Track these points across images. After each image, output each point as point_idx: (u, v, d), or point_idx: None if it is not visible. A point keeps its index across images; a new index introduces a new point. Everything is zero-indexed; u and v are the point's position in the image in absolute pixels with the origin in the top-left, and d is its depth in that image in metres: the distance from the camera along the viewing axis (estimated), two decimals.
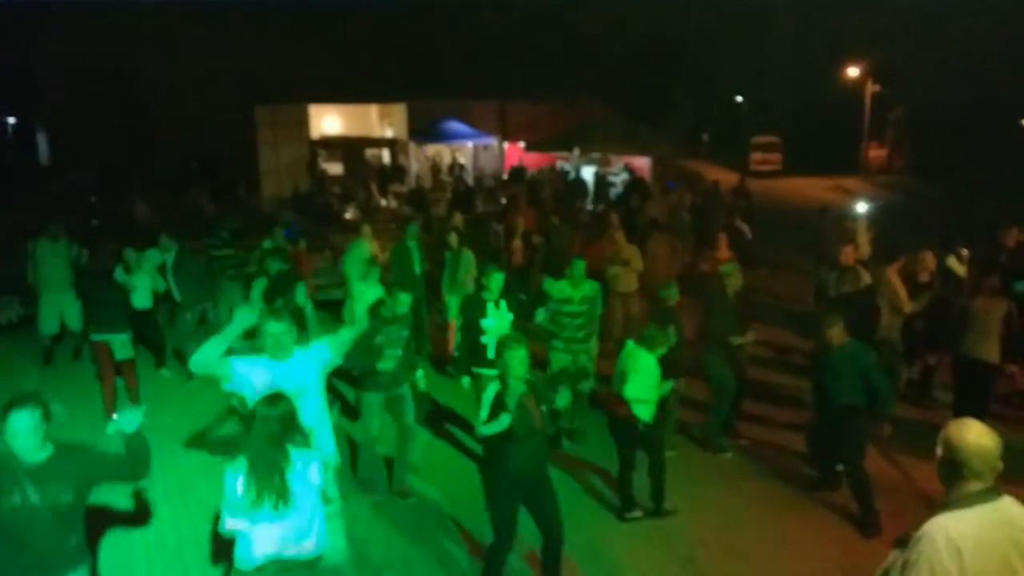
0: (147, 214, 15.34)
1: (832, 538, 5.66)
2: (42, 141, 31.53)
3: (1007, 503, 2.76)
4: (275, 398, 3.77)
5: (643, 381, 5.84)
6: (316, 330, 7.37)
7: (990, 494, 2.73)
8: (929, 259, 7.91)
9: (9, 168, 30.02)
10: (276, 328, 4.41)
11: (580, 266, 7.21)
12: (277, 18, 23.99)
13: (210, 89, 22.71)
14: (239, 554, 3.69)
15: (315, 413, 4.53)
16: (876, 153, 34.37)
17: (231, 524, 3.60)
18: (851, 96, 32.99)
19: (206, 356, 4.22)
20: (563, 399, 4.92)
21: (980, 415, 6.91)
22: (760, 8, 31.94)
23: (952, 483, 2.77)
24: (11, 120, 32.21)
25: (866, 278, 7.82)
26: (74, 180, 22.98)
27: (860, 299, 7.52)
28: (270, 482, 3.61)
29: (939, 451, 2.81)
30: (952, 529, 2.68)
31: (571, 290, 7.15)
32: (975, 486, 2.73)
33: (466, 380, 6.54)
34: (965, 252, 8.91)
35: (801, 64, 32.87)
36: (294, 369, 4.43)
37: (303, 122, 24.41)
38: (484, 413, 4.66)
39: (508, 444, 4.64)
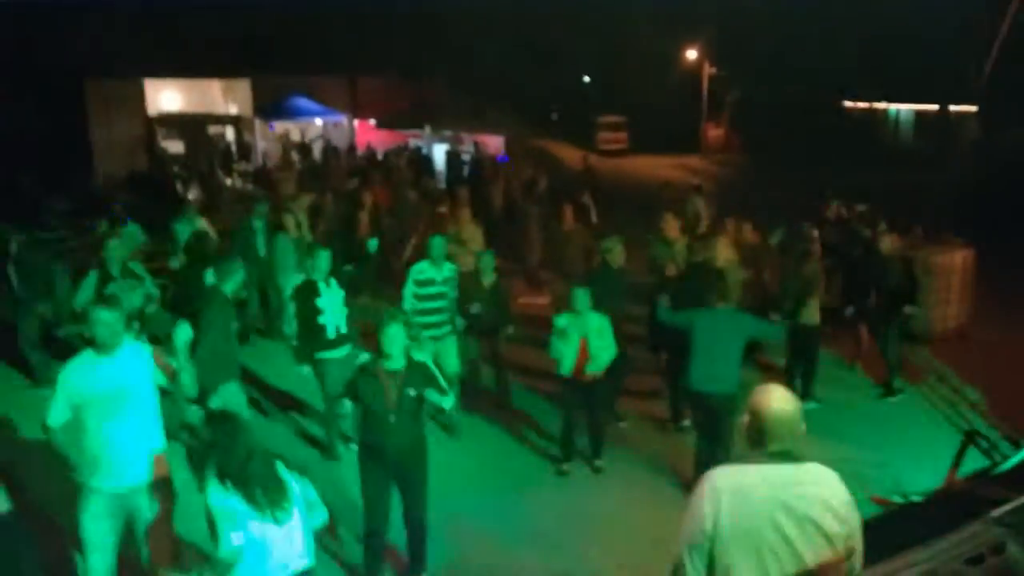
0: None
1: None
2: None
3: (800, 468, 2.76)
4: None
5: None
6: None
7: (782, 456, 2.77)
8: (747, 230, 8.53)
9: None
10: (108, 317, 4.14)
11: (439, 244, 7.15)
12: None
13: (35, 61, 20.83)
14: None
15: (148, 412, 4.34)
16: (715, 133, 36.32)
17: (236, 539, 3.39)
18: (692, 78, 34.67)
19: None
20: (447, 400, 4.90)
21: (810, 375, 7.68)
22: None
23: (756, 447, 2.82)
24: None
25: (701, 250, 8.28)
26: None
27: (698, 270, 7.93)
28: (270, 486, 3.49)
29: (745, 417, 2.88)
30: (721, 478, 2.77)
31: (433, 271, 7.10)
32: (771, 448, 2.78)
33: (305, 369, 6.42)
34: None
35: (645, 45, 34.07)
36: (123, 366, 4.19)
37: (139, 98, 22.88)
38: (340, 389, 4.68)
39: (363, 419, 4.68)
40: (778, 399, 2.83)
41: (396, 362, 4.73)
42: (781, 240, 9.14)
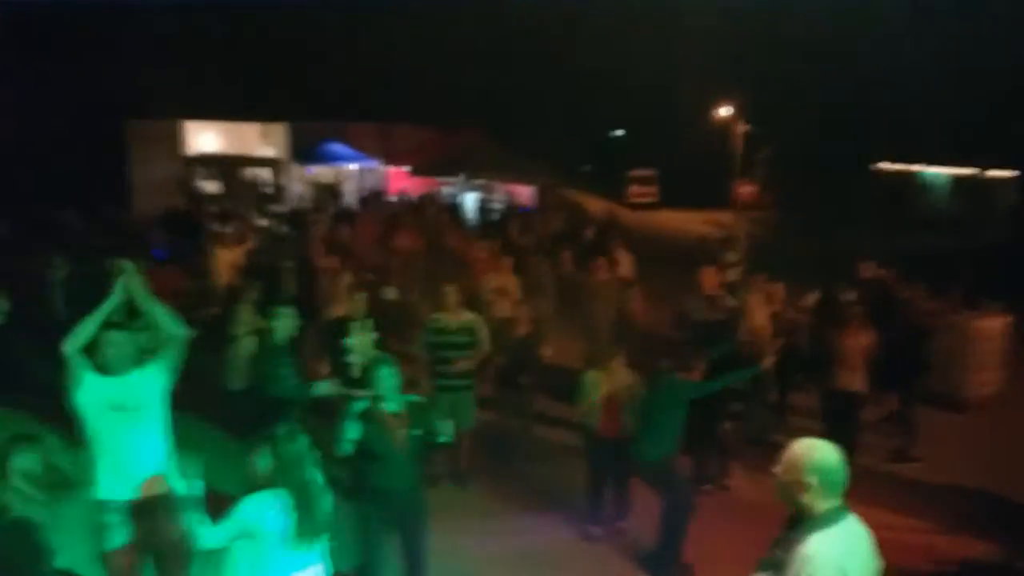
0: (8, 232, 14.39)
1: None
2: None
3: (855, 520, 2.86)
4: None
5: None
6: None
7: (844, 511, 2.82)
8: (778, 291, 8.34)
9: None
10: (118, 338, 4.26)
11: (451, 293, 7.03)
12: (150, 30, 22.97)
13: (77, 101, 21.47)
14: None
15: (157, 435, 4.38)
16: (746, 190, 36.29)
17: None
18: (724, 134, 34.81)
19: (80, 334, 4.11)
20: (444, 432, 4.85)
21: (850, 444, 7.44)
22: (642, 44, 33.28)
23: (809, 502, 2.81)
24: None
25: (731, 303, 8.15)
26: None
27: (724, 325, 7.78)
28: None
29: (789, 472, 2.84)
30: (830, 549, 2.75)
31: (448, 320, 7.00)
32: (831, 503, 2.79)
33: None
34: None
35: (677, 101, 34.37)
36: (133, 386, 4.27)
37: (177, 138, 23.41)
38: (348, 432, 4.57)
39: (366, 463, 4.61)
40: (827, 452, 2.87)
41: (393, 404, 4.71)
42: (814, 302, 8.98)
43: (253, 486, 3.61)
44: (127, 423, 4.23)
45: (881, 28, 29.00)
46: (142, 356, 4.42)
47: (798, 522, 2.86)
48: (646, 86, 34.55)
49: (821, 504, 2.81)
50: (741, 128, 34.44)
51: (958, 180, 33.02)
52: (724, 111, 34.98)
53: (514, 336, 7.35)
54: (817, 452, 2.86)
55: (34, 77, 20.93)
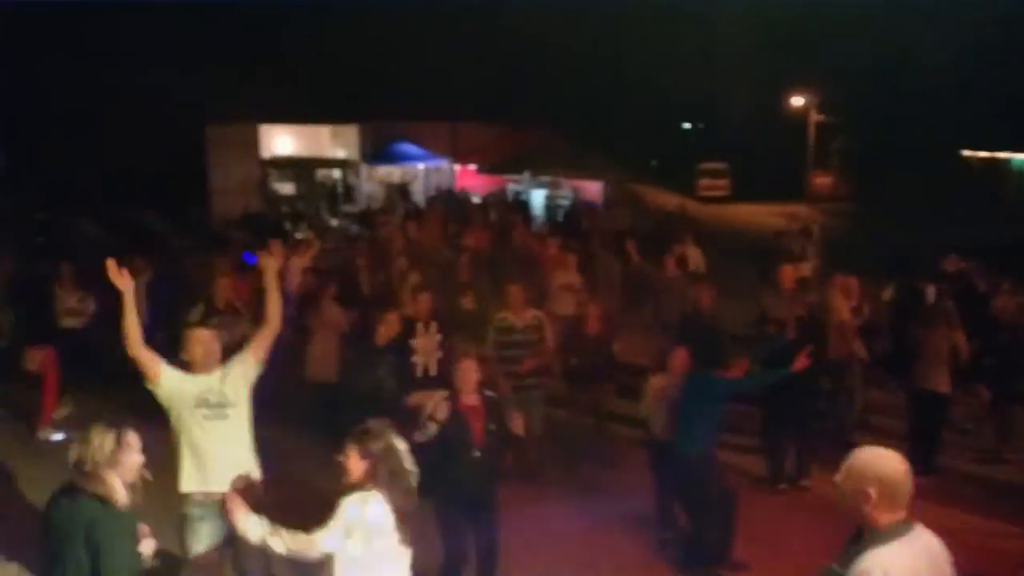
0: (95, 233, 15.07)
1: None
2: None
3: (922, 530, 2.72)
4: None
5: None
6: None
7: (910, 523, 2.69)
8: (853, 284, 8.08)
9: None
10: (204, 335, 4.40)
11: (515, 292, 7.07)
12: (228, 37, 23.76)
13: (161, 107, 22.37)
14: None
15: (242, 431, 4.48)
16: (821, 181, 35.28)
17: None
18: (797, 124, 33.91)
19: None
20: (516, 427, 4.95)
21: (934, 445, 7.13)
22: (709, 36, 32.73)
23: (870, 514, 2.69)
24: None
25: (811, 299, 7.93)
26: (23, 196, 22.29)
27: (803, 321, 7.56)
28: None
29: (849, 481, 2.73)
30: (893, 564, 2.62)
31: (513, 318, 7.02)
32: (897, 515, 2.67)
33: None
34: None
35: (749, 92, 33.67)
36: (219, 384, 4.38)
37: (254, 141, 24.15)
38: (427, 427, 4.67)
39: (443, 457, 4.67)
40: (895, 461, 2.72)
41: (471, 397, 4.85)
42: (893, 297, 8.68)
43: (347, 484, 3.63)
44: (213, 419, 4.34)
45: (965, 9, 27.82)
46: (227, 353, 4.52)
47: (859, 535, 2.77)
48: (716, 77, 33.98)
49: (882, 517, 2.68)
50: (815, 118, 33.49)
51: None
52: (797, 101, 34.08)
53: (584, 334, 7.30)
54: (880, 461, 2.72)
55: (116, 82, 21.82)
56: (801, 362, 5.72)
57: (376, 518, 3.49)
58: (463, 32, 26.66)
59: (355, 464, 3.59)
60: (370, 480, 3.53)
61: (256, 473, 4.50)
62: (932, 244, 12.26)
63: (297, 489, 5.71)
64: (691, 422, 5.61)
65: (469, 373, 4.88)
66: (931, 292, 7.91)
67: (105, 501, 3.22)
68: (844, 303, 7.80)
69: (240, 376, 4.44)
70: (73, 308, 8.18)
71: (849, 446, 2.89)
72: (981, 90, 27.59)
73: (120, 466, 3.29)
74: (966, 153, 33.18)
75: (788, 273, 8.00)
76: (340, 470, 3.64)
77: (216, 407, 4.34)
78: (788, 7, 30.58)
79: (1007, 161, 32.95)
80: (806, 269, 10.97)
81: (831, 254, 13.31)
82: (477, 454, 4.77)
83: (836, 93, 31.99)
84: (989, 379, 7.71)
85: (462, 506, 4.81)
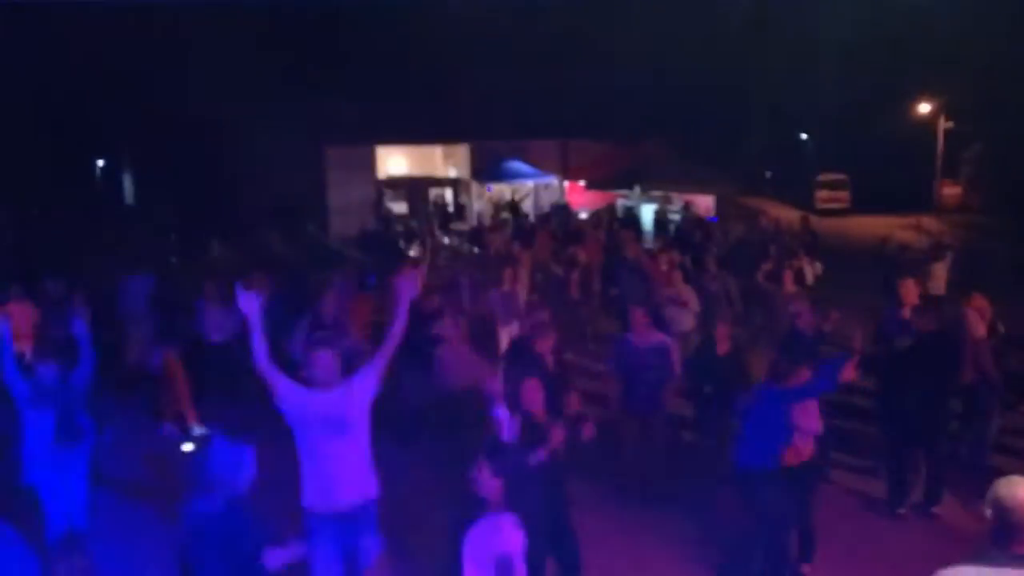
0: (222, 253, 15.90)
1: None
2: (127, 182, 33.06)
3: None
4: None
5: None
6: None
7: (1015, 559, 2.53)
8: (981, 302, 7.58)
9: (97, 207, 31.46)
10: (326, 354, 4.53)
11: (637, 315, 7.00)
12: (344, 63, 24.78)
13: (282, 131, 23.57)
14: None
15: (362, 447, 4.58)
16: (950, 191, 33.38)
17: None
18: (921, 132, 32.23)
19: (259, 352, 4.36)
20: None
21: None
22: (825, 40, 31.66)
23: (998, 546, 2.58)
24: (99, 162, 33.83)
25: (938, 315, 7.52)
26: (156, 220, 23.95)
27: (933, 339, 7.17)
28: None
29: (988, 511, 2.64)
30: None
31: (637, 340, 6.93)
32: (1019, 549, 2.53)
33: None
34: None
35: (869, 98, 32.33)
36: (340, 400, 4.49)
37: (370, 162, 25.09)
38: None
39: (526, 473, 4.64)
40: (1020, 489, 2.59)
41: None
42: None
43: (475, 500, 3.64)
44: (333, 436, 4.46)
45: None
46: (348, 370, 4.64)
47: None
48: (834, 84, 32.80)
49: (993, 545, 2.58)
50: (944, 125, 31.76)
51: None
52: (924, 107, 32.42)
53: (715, 355, 7.12)
54: (1014, 490, 2.61)
55: (238, 102, 23.06)
56: (849, 372, 5.25)
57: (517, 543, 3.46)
58: (569, 48, 26.80)
59: (487, 481, 3.59)
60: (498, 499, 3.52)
61: (374, 489, 4.62)
62: None
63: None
64: (752, 435, 5.46)
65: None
66: None
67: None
68: (979, 321, 7.35)
69: (361, 393, 4.57)
70: (218, 324, 8.65)
71: (984, 472, 2.76)
72: None
73: None
74: None
75: (910, 287, 7.59)
76: (471, 486, 3.65)
77: (336, 424, 4.46)
78: (914, 7, 29.23)
79: None
80: (936, 286, 10.47)
81: (964, 270, 12.57)
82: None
83: (966, 99, 30.23)
84: None
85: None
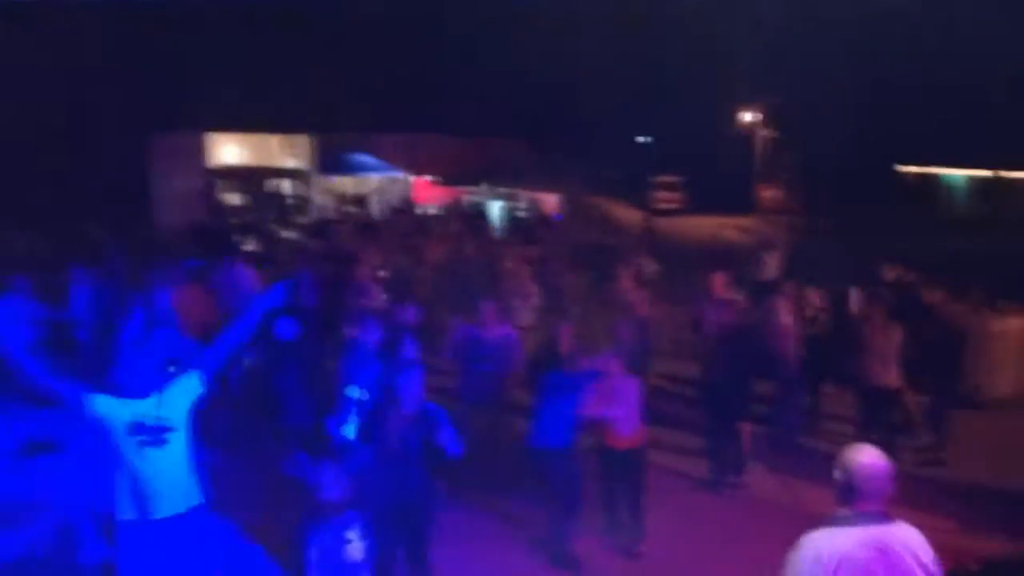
0: (31, 245, 14.58)
1: None
2: None
3: (892, 528, 2.82)
4: None
5: None
6: None
7: (874, 517, 2.80)
8: (812, 295, 8.36)
9: None
10: (138, 356, 4.28)
11: (485, 307, 7.11)
12: (169, 45, 23.23)
13: (102, 117, 21.83)
14: None
15: (183, 456, 4.30)
16: (770, 194, 36.12)
17: None
18: (746, 139, 34.73)
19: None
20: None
21: (886, 439, 7.40)
22: (663, 49, 33.34)
23: (847, 504, 2.85)
24: None
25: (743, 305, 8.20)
26: None
27: (742, 329, 7.73)
28: None
29: (836, 474, 2.89)
30: (821, 544, 2.76)
31: (480, 333, 7.03)
32: (861, 507, 2.80)
33: None
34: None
35: (702, 106, 34.32)
36: (155, 407, 4.19)
37: (200, 151, 23.68)
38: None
39: (373, 469, 4.60)
40: (869, 455, 2.87)
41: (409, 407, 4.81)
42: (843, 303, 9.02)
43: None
44: (150, 445, 4.14)
45: (902, 28, 28.84)
46: (167, 375, 4.31)
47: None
48: (671, 91, 34.58)
49: (852, 506, 2.83)
50: (765, 133, 34.31)
51: (977, 182, 32.75)
52: (749, 116, 34.90)
53: (557, 352, 7.28)
54: (855, 455, 2.91)
55: (55, 87, 21.27)
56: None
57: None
58: (419, 43, 26.59)
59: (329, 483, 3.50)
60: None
61: (201, 497, 4.33)
62: (875, 255, 12.66)
63: None
64: (545, 416, 5.92)
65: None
66: (856, 297, 8.24)
67: None
68: (788, 310, 8.05)
69: (178, 400, 4.24)
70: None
71: (793, 451, 3.03)
72: (915, 108, 28.64)
73: None
74: (901, 168, 34.41)
75: (719, 281, 8.18)
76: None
77: (153, 432, 4.14)
78: (738, 22, 31.29)
79: (937, 176, 34.27)
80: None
81: (786, 265, 13.65)
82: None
83: (784, 109, 32.80)
84: (931, 385, 8.04)
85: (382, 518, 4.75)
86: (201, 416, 4.35)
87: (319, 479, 3.59)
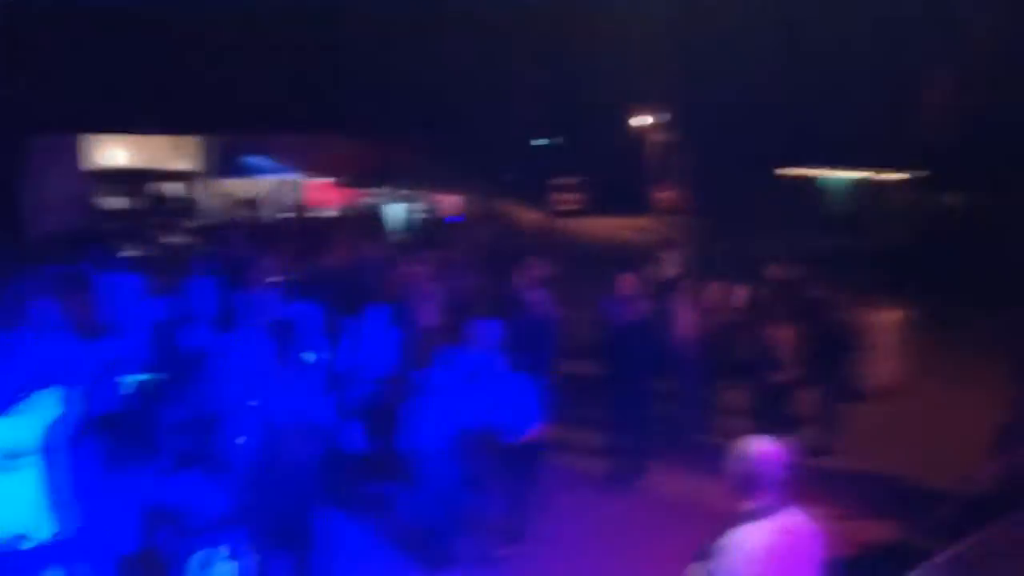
0: None
1: None
2: None
3: (792, 513, 2.96)
4: None
5: None
6: None
7: (778, 505, 2.92)
8: (712, 292, 8.58)
9: None
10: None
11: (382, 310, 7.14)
12: (47, 41, 21.86)
13: None
14: None
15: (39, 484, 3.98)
16: (663, 195, 37.04)
17: None
18: (640, 141, 35.49)
19: None
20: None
21: (780, 432, 7.65)
22: (560, 51, 33.76)
23: (747, 496, 2.90)
24: None
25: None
26: None
27: (644, 327, 7.86)
28: None
29: (731, 466, 2.91)
30: (750, 540, 2.83)
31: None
32: (767, 498, 2.87)
33: None
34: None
35: (597, 110, 34.90)
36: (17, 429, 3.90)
37: (75, 152, 22.33)
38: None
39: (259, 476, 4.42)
40: (765, 445, 2.96)
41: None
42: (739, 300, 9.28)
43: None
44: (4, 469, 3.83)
45: (781, 33, 30.24)
46: (21, 394, 3.98)
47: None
48: (570, 94, 35.02)
49: (756, 498, 2.90)
50: (658, 135, 35.18)
51: (853, 183, 34.68)
52: (643, 119, 35.70)
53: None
54: (753, 446, 2.96)
55: None
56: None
57: None
58: (317, 42, 25.93)
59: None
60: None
61: (59, 523, 3.97)
62: (758, 253, 13.12)
63: None
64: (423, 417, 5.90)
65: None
66: (743, 294, 8.52)
67: None
68: (685, 308, 8.23)
69: (31, 423, 3.93)
70: None
71: (692, 447, 3.07)
72: (794, 113, 30.12)
73: None
74: (781, 170, 36.08)
75: (625, 281, 8.26)
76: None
77: (8, 455, 3.84)
78: (630, 26, 32.01)
79: (813, 179, 36.10)
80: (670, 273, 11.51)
81: (682, 264, 13.98)
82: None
83: (675, 113, 33.73)
84: (821, 378, 8.37)
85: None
86: (73, 439, 3.99)
87: (196, 498, 3.38)
